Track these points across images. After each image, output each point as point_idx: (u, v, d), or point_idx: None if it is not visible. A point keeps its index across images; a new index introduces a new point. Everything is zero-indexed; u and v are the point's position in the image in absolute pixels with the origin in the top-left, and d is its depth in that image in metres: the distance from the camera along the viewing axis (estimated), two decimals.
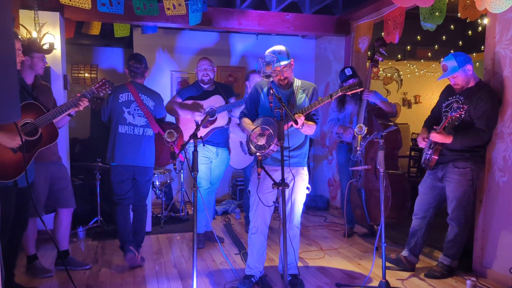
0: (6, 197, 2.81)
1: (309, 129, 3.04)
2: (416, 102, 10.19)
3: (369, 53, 5.53)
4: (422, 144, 3.53)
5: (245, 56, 6.32)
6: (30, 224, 3.40)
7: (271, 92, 2.85)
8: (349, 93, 2.83)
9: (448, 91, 3.55)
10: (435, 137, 3.31)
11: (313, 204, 5.96)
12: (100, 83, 3.26)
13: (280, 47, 3.06)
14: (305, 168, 3.24)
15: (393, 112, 4.33)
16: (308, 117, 3.08)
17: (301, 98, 3.13)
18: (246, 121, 3.19)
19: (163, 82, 6.08)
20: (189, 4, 4.28)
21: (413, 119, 9.76)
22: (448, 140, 3.26)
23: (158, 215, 5.21)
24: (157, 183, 5.11)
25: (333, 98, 2.85)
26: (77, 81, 6.92)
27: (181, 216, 5.32)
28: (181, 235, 4.73)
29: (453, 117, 3.25)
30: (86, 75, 7.10)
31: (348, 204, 4.48)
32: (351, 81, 4.31)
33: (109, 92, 3.45)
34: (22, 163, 2.98)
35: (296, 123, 2.57)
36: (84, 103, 3.14)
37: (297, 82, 3.19)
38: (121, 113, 3.61)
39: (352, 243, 4.44)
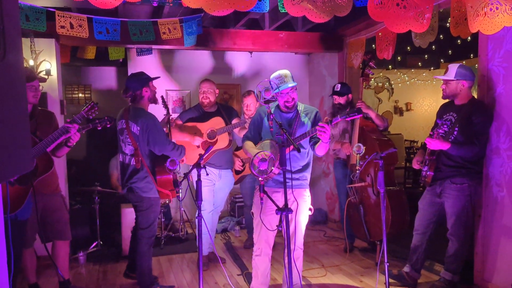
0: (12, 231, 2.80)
1: (322, 150, 3.06)
2: (407, 110, 10.33)
3: (360, 65, 5.61)
4: (416, 166, 3.59)
5: (240, 74, 6.37)
6: (27, 253, 3.38)
7: (272, 117, 2.89)
8: (349, 119, 2.84)
9: (444, 109, 3.61)
10: (432, 143, 3.31)
11: (311, 218, 5.98)
12: (89, 106, 3.19)
13: (286, 71, 3.11)
14: (307, 190, 3.27)
15: (385, 126, 4.40)
16: (315, 140, 3.11)
17: (303, 122, 3.18)
18: (249, 144, 3.23)
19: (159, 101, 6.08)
20: (184, 27, 4.33)
21: (405, 126, 9.89)
22: (445, 146, 3.29)
23: (158, 235, 5.20)
24: None
25: (332, 124, 2.85)
26: (71, 102, 6.92)
27: (181, 236, 5.31)
28: (181, 256, 4.73)
29: (439, 133, 3.32)
30: (80, 95, 7.11)
31: (347, 219, 4.51)
32: (340, 90, 4.43)
33: (96, 114, 3.29)
34: (22, 196, 2.97)
35: (299, 150, 2.61)
36: (74, 129, 3.04)
37: (300, 106, 3.25)
38: (119, 141, 3.59)
39: (353, 259, 4.47)
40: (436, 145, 3.33)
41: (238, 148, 4.66)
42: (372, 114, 4.29)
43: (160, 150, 3.44)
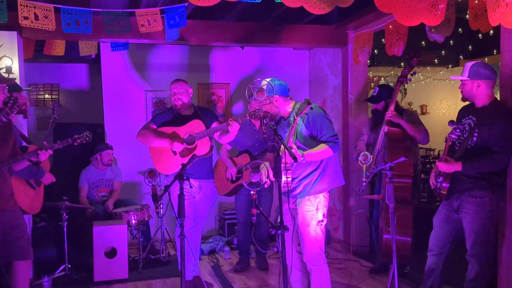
0: None
1: (316, 156, 3.12)
2: (423, 113, 10.38)
3: (368, 61, 5.69)
4: (433, 183, 3.61)
5: (230, 71, 6.42)
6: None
7: (265, 122, 2.92)
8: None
9: (463, 112, 3.64)
10: (442, 167, 3.40)
11: None
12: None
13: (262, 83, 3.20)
14: (314, 197, 3.26)
15: (421, 137, 4.22)
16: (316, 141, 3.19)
17: (298, 125, 3.22)
18: None
19: (137, 103, 6.11)
20: (166, 19, 4.36)
21: None
22: (457, 167, 3.35)
23: (136, 257, 5.20)
24: (133, 221, 5.10)
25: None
26: (35, 104, 6.91)
27: (162, 257, 5.31)
28: (162, 281, 4.73)
29: (452, 140, 3.36)
30: (46, 96, 7.12)
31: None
32: (377, 95, 4.49)
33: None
34: None
35: (296, 160, 2.64)
36: (45, 156, 3.23)
37: (297, 106, 3.30)
38: None
39: (361, 283, 4.48)
40: (446, 168, 3.39)
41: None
42: (405, 124, 4.14)
43: None
